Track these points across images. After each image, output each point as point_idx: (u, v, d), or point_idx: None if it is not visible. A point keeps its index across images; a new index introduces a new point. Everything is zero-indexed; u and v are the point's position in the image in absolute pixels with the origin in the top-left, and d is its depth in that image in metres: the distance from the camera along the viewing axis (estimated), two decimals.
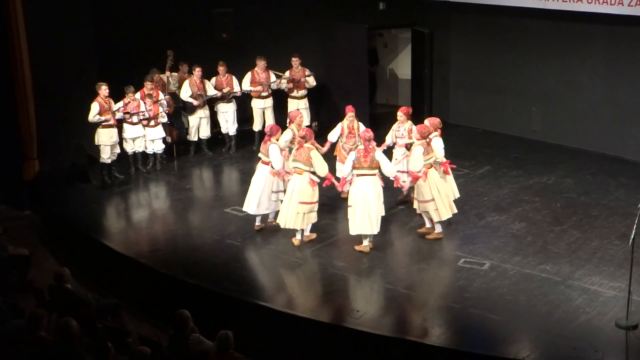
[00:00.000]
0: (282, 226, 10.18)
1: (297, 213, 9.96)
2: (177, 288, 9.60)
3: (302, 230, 10.24)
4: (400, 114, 11.08)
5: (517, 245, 10.22)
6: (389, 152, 11.10)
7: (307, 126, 12.96)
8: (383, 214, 10.06)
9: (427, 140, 10.00)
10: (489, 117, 15.19)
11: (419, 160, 9.87)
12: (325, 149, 10.97)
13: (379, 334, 8.38)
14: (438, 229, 10.24)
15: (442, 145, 10.35)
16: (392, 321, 8.76)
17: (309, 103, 14.28)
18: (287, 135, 10.84)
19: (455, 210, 10.29)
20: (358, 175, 9.74)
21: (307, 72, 14.12)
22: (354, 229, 9.84)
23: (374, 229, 9.83)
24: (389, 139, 11.16)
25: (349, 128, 11.20)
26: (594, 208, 11.33)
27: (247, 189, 12.43)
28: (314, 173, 10.00)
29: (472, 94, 15.42)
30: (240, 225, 11.03)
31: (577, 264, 9.64)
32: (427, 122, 10.55)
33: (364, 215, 9.71)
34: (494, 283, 9.26)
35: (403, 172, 10.65)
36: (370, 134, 9.96)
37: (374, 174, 9.76)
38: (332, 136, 11.33)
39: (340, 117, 11.77)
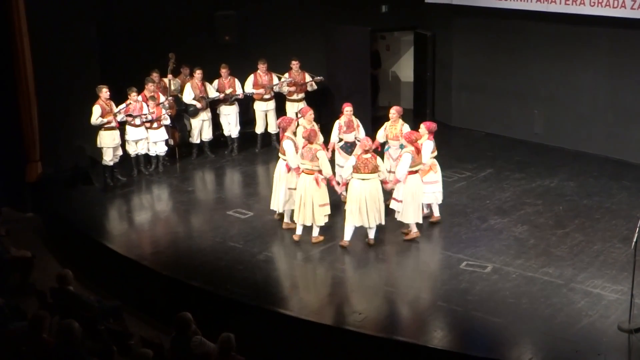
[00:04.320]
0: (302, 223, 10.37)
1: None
2: (179, 290, 9.59)
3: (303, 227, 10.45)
4: (392, 112, 11.15)
5: (520, 248, 10.20)
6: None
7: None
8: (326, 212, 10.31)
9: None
10: (491, 120, 15.18)
11: (406, 166, 10.14)
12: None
13: (381, 336, 8.37)
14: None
15: (429, 150, 10.49)
16: (393, 324, 8.74)
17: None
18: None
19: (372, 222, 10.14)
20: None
21: (309, 76, 14.11)
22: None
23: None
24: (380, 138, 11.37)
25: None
26: (597, 211, 11.31)
27: (250, 191, 12.54)
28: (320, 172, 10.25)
29: (475, 97, 15.41)
30: (242, 227, 11.03)
31: (580, 267, 9.63)
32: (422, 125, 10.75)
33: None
34: (496, 286, 9.25)
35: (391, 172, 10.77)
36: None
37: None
38: (380, 136, 11.43)
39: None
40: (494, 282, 9.32)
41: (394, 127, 11.18)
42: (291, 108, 14.08)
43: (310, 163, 10.20)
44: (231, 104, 13.98)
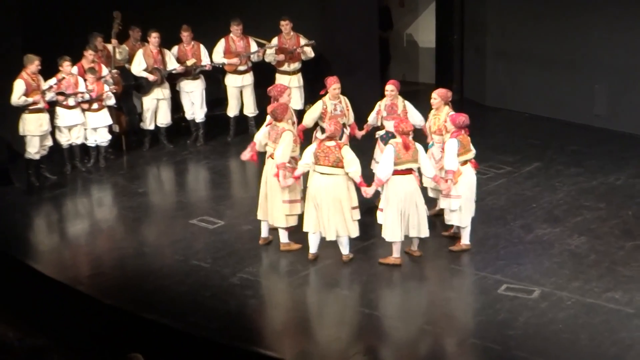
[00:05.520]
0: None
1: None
2: (127, 325, 9.53)
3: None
4: (434, 98, 10.99)
5: (577, 266, 10.18)
6: None
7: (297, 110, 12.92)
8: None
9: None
10: (538, 98, 15.19)
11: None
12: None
13: None
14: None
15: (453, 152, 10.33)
16: None
17: (303, 80, 14.25)
18: (316, 109, 11.33)
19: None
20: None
21: (304, 40, 14.08)
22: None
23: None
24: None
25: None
26: None
27: (220, 192, 12.55)
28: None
29: (516, 68, 15.40)
30: (210, 241, 11.02)
31: None
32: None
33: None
34: (545, 317, 9.22)
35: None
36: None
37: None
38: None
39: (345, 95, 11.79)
40: (543, 312, 9.30)
41: (437, 118, 11.00)
42: (283, 82, 13.95)
43: (274, 145, 10.32)
44: (195, 78, 13.98)
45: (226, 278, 10.15)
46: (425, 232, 10.24)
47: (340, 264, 10.30)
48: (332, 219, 10.09)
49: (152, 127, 13.90)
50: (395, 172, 10.00)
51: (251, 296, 9.90)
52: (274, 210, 10.40)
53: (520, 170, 12.92)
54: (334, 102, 11.38)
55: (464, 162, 10.41)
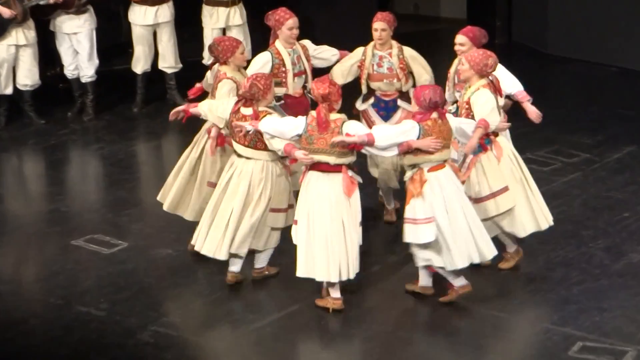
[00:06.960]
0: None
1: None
2: None
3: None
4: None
5: None
6: None
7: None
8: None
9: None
10: (631, 42, 15.29)
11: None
12: None
13: None
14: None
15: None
16: None
17: (247, 17, 14.38)
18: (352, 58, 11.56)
19: None
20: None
21: None
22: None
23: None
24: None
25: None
26: None
27: (121, 195, 12.71)
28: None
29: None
30: (105, 274, 11.05)
31: None
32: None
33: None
34: None
35: None
36: None
37: None
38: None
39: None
40: None
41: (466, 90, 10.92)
42: (213, 19, 14.28)
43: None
44: (79, 12, 14.01)
45: (132, 333, 10.10)
46: (352, 271, 10.20)
47: (319, 310, 10.28)
48: (242, 224, 10.27)
49: (9, 90, 13.96)
50: (312, 167, 10.02)
51: None
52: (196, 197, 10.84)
53: (603, 159, 13.07)
54: (380, 53, 11.29)
55: (437, 166, 10.17)
